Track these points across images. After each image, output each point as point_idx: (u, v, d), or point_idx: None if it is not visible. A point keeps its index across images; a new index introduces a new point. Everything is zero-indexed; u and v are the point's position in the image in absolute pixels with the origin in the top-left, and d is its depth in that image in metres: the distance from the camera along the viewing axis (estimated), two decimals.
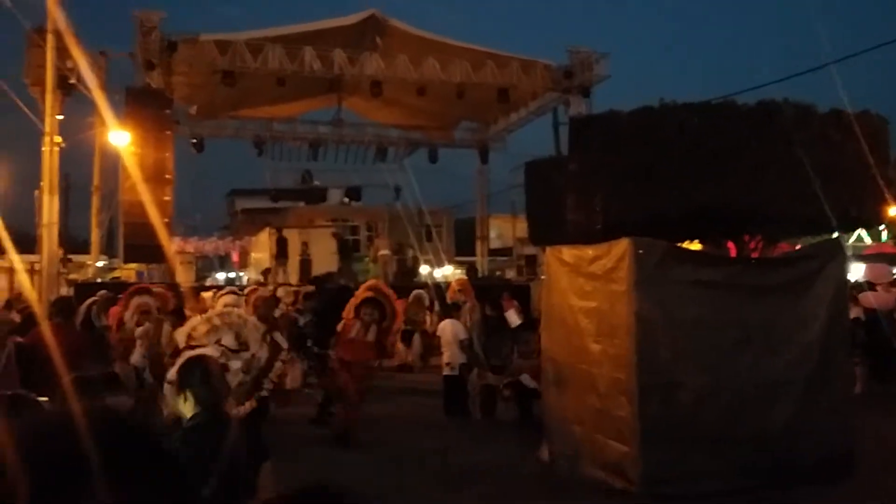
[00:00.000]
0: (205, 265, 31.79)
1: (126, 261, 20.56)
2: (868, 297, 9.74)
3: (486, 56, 21.72)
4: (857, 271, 14.32)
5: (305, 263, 22.89)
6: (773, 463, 6.65)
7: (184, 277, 19.00)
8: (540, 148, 24.25)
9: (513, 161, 26.55)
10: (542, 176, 18.94)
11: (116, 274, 22.35)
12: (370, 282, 10.70)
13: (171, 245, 19.75)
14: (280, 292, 14.69)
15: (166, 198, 18.62)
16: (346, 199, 40.35)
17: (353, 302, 9.24)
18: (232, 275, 32.54)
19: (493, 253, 32.51)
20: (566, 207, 12.11)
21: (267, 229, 27.06)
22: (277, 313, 10.07)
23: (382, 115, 27.47)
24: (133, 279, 20.21)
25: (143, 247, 17.88)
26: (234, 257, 33.13)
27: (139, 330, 9.01)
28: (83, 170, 23.48)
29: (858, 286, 10.36)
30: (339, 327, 9.18)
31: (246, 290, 13.34)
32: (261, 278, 22.32)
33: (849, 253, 19.73)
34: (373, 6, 21.72)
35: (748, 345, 6.88)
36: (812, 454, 6.83)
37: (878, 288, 10.32)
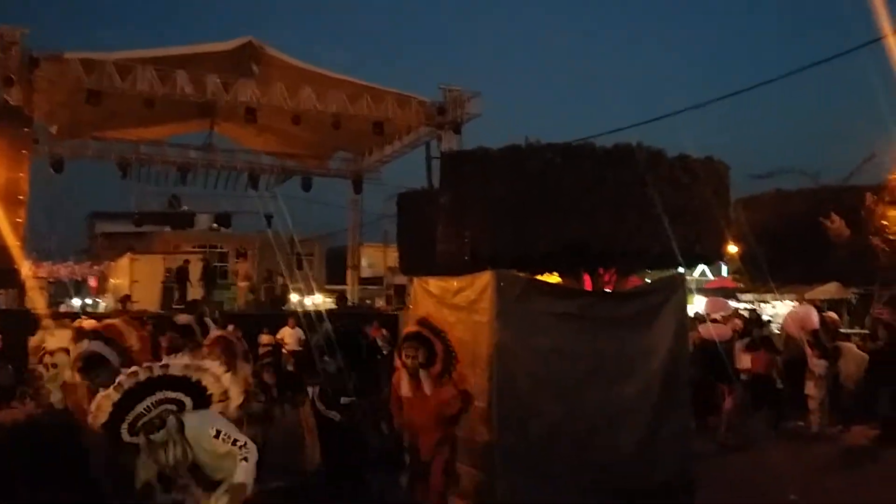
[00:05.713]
0: (58, 290, 29.97)
1: None
2: (708, 328, 10.55)
3: (363, 89, 21.97)
4: (699, 304, 15.34)
5: (168, 290, 22.18)
6: (620, 488, 7.00)
7: (36, 303, 17.98)
8: (413, 180, 24.73)
9: (386, 192, 26.85)
10: (415, 207, 19.28)
11: None
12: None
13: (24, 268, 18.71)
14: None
15: (19, 219, 17.73)
16: (216, 225, 39.42)
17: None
18: (89, 301, 30.98)
19: (365, 282, 32.58)
20: (436, 238, 12.38)
21: (128, 254, 26.04)
22: None
23: (256, 142, 27.16)
24: None
25: None
26: (92, 283, 31.59)
27: None
28: None
29: (701, 318, 11.21)
30: (396, 379, 6.98)
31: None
32: (119, 305, 21.41)
33: (692, 287, 21.12)
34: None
35: (600, 374, 7.24)
36: (656, 480, 7.23)
37: (718, 319, 11.22)
